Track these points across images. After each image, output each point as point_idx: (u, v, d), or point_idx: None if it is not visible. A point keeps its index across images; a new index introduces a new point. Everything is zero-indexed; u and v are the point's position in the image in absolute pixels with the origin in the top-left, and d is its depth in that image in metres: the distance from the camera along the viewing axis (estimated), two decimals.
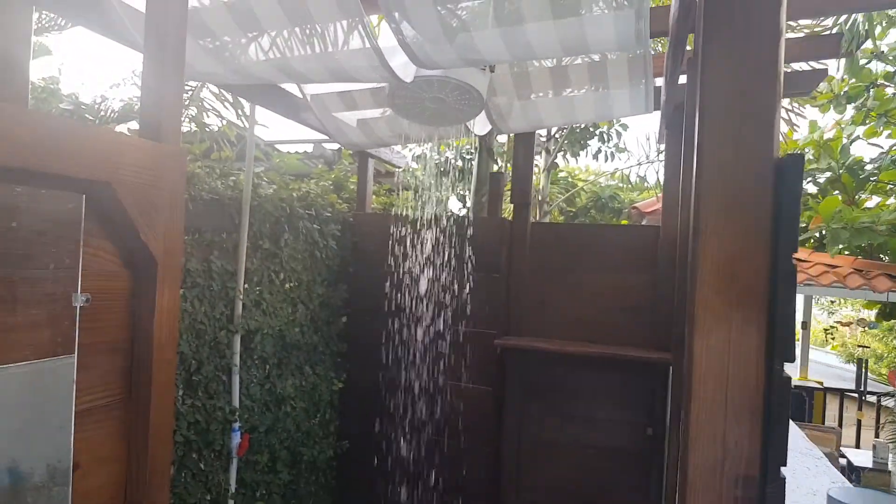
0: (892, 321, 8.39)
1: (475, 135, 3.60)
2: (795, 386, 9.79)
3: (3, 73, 1.62)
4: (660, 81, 2.97)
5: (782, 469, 1.17)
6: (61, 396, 1.36)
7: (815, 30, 2.86)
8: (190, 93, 4.35)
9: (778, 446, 1.17)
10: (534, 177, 9.14)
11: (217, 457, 2.82)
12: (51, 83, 4.67)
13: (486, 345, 3.60)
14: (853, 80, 7.50)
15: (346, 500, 3.90)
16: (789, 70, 2.92)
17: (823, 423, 9.10)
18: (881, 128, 7.89)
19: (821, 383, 9.95)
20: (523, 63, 2.90)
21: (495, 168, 4.11)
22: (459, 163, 8.83)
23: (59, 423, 1.41)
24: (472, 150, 5.48)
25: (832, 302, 17.95)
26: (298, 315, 3.40)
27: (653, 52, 2.78)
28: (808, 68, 3.71)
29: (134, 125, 4.20)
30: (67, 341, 1.33)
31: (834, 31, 2.84)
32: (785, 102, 4.72)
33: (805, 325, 11.09)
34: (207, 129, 4.25)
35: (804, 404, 9.45)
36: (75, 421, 1.34)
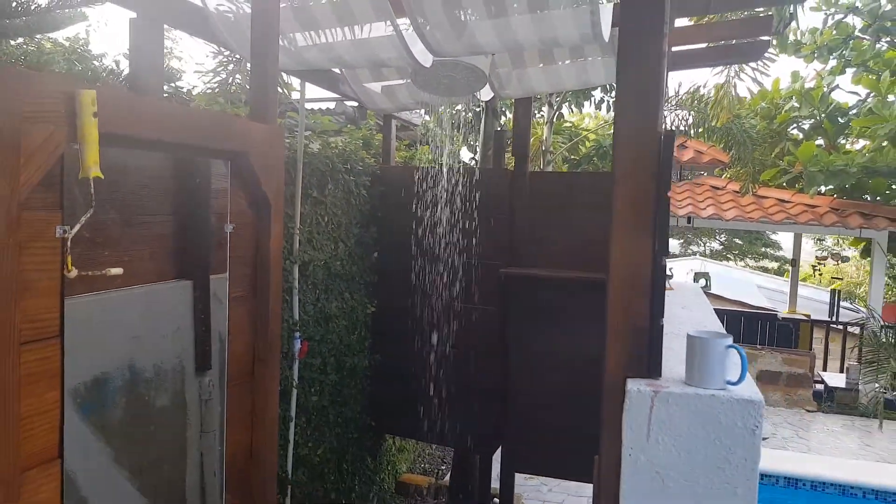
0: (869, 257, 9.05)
1: (480, 100, 4.31)
2: (783, 318, 10.59)
3: (156, 82, 2.36)
4: None
5: (661, 320, 1.95)
6: (220, 292, 2.15)
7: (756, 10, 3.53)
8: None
9: (658, 306, 1.95)
10: (539, 128, 9.78)
11: (284, 357, 3.65)
12: (76, 43, 5.36)
13: (493, 274, 4.38)
14: (835, 32, 8.04)
15: (378, 400, 4.78)
16: (734, 42, 3.60)
17: (810, 350, 9.88)
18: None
19: (808, 316, 10.67)
20: None
21: (499, 127, 4.83)
22: (469, 115, 9.48)
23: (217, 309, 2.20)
24: (481, 107, 6.14)
25: (820, 239, 18.63)
26: (339, 251, 4.19)
27: None
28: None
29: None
30: (223, 253, 2.12)
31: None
32: (754, 64, 5.38)
33: (794, 263, 11.72)
34: None
35: (791, 334, 10.26)
36: (229, 305, 2.15)
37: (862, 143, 10.05)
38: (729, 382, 1.89)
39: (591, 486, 2.48)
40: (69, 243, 1.48)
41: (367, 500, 4.91)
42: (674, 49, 4.29)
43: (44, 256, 1.46)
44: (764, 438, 7.74)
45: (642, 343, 1.97)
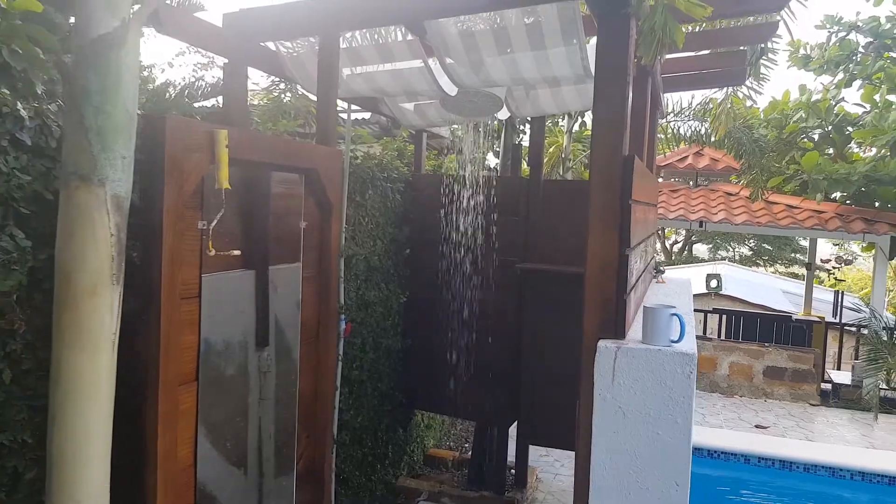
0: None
1: (498, 119, 5.00)
2: (797, 319, 11.10)
3: (241, 112, 3.08)
4: None
5: (624, 295, 2.61)
6: (285, 279, 2.85)
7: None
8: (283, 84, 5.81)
9: (622, 284, 2.61)
10: (560, 137, 10.40)
11: None
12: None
13: (509, 268, 5.05)
14: (840, 49, 8.55)
15: (409, 378, 5.48)
16: (716, 70, 4.25)
17: (825, 351, 10.41)
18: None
19: (822, 318, 11.13)
20: None
21: (517, 139, 5.51)
22: (496, 123, 10.15)
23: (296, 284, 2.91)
24: (502, 124, 6.83)
25: (836, 244, 18.90)
26: (377, 247, 4.90)
27: None
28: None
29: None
30: (297, 244, 2.83)
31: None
32: (747, 82, 6.01)
33: (809, 266, 12.16)
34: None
35: (804, 335, 10.76)
36: (302, 282, 2.85)
37: (874, 150, 10.50)
38: (672, 341, 2.55)
39: None
40: (210, 232, 2.19)
41: (398, 467, 5.61)
42: (670, 74, 4.95)
43: (192, 241, 2.18)
44: (765, 427, 8.30)
45: (610, 312, 2.63)
